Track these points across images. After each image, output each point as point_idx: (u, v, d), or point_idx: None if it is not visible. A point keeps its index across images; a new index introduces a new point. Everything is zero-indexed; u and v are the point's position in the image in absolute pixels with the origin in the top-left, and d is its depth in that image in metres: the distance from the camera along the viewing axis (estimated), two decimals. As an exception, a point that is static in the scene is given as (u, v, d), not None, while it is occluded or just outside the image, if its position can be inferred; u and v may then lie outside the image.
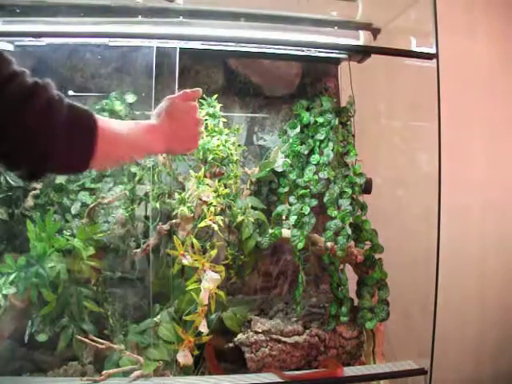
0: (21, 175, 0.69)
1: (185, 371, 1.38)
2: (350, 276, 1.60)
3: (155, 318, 1.43)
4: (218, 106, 1.55)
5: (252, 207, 1.54)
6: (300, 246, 1.49)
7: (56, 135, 0.64)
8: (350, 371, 1.46)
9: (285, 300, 1.65)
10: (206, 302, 1.34)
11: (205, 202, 1.42)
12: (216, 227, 1.40)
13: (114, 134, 0.74)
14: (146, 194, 1.48)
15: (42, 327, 1.36)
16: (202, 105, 1.55)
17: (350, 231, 1.52)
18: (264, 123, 1.75)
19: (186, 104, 0.91)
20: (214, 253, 1.41)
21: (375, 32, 1.65)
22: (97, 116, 0.70)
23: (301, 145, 1.59)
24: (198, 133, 0.93)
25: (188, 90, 0.93)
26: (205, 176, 1.46)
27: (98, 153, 0.68)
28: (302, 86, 1.77)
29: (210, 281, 1.36)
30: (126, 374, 1.33)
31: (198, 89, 0.95)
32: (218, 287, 1.38)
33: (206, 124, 1.52)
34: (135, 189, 1.48)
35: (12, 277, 1.29)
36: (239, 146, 1.58)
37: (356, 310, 1.54)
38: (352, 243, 1.53)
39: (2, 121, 0.61)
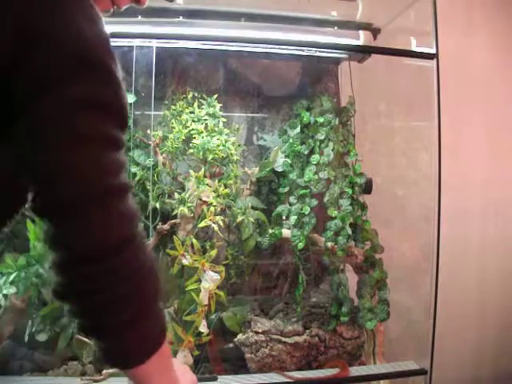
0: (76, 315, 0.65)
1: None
2: (350, 276, 1.60)
3: (155, 318, 1.43)
4: (218, 105, 1.55)
5: (252, 207, 1.54)
6: (300, 246, 1.49)
7: (127, 330, 0.62)
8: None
9: (285, 300, 1.65)
10: (206, 302, 1.35)
11: (205, 202, 1.42)
12: (216, 227, 1.40)
13: (167, 367, 0.69)
14: (146, 194, 1.48)
15: (42, 327, 1.36)
16: (202, 104, 1.55)
17: (350, 231, 1.52)
18: (264, 123, 1.75)
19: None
20: (214, 253, 1.41)
21: (375, 32, 1.65)
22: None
23: (301, 145, 1.59)
24: None
25: None
26: (205, 176, 1.46)
27: (144, 368, 0.64)
28: (302, 86, 1.76)
29: (209, 281, 1.36)
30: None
31: None
32: (217, 287, 1.38)
33: (206, 124, 1.51)
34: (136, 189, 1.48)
35: (12, 277, 1.29)
36: (239, 145, 1.58)
37: (356, 310, 1.53)
38: (352, 243, 1.54)
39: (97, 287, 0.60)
